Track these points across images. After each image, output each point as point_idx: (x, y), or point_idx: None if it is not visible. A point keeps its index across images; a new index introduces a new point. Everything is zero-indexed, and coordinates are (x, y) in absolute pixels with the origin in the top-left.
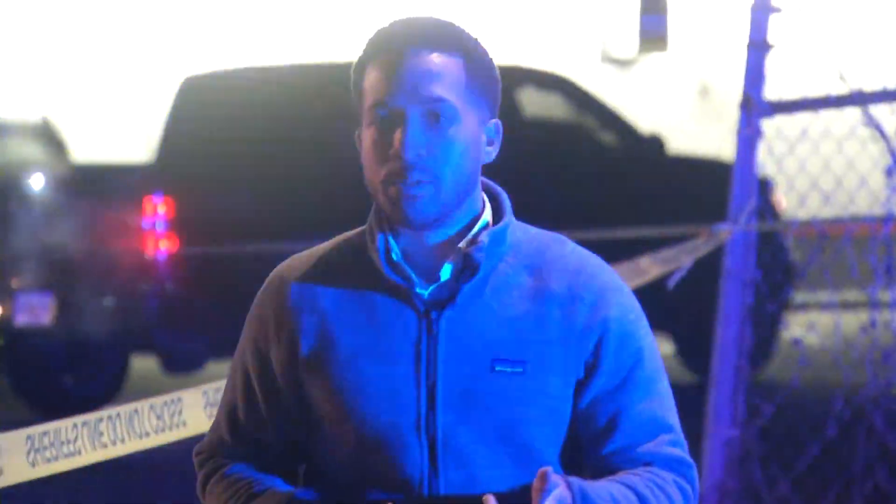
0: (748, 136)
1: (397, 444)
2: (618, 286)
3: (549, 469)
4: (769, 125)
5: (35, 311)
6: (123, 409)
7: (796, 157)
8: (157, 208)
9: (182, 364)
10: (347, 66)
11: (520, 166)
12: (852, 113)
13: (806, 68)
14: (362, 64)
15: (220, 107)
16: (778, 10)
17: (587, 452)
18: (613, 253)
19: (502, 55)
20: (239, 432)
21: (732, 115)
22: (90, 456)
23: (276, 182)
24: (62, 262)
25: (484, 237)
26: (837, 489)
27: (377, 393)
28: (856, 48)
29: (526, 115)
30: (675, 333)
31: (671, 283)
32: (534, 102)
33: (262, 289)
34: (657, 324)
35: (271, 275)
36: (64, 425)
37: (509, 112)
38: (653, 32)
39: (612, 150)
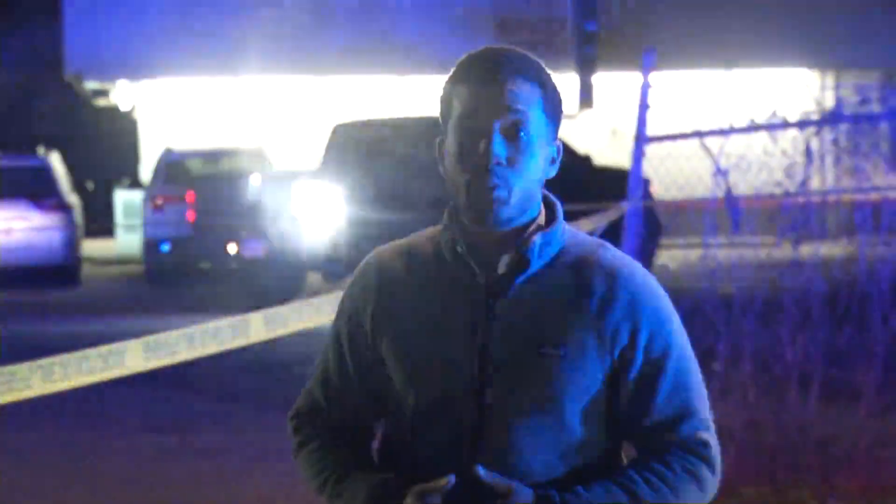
0: (638, 155)
1: (453, 406)
2: (651, 289)
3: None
4: (649, 149)
5: (254, 249)
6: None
7: (665, 166)
8: (320, 192)
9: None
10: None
11: None
12: (695, 142)
13: (669, 117)
14: (454, 81)
15: (357, 140)
16: (651, 86)
17: (624, 429)
18: (567, 219)
19: None
20: (330, 395)
21: (629, 143)
22: (299, 324)
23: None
24: (272, 220)
25: (537, 238)
26: None
27: (440, 363)
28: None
29: None
30: None
31: (595, 235)
32: None
33: (356, 272)
34: None
35: (364, 261)
36: (284, 308)
37: None
38: (585, 100)
39: (563, 163)
